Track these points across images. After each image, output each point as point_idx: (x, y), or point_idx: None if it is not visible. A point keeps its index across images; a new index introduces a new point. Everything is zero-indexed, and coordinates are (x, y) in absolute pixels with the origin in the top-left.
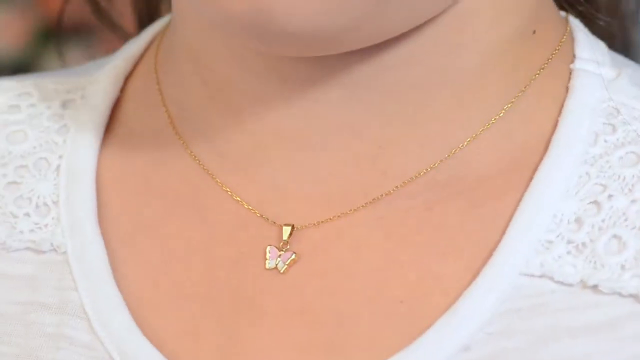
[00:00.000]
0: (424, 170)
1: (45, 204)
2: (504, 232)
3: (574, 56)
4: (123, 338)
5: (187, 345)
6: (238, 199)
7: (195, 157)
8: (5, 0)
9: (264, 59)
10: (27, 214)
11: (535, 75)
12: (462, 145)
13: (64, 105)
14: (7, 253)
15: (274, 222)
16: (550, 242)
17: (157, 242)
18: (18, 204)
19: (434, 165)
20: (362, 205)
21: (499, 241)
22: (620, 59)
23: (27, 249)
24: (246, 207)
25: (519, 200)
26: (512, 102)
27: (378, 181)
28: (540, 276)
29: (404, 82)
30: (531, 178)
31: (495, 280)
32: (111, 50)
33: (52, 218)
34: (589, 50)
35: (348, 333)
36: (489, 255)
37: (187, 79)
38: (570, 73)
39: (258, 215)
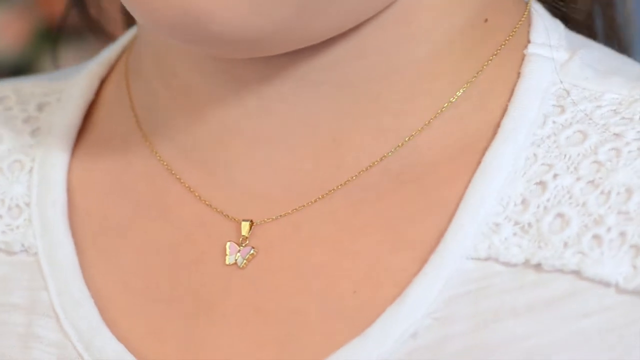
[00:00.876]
0: (377, 161)
1: (18, 206)
2: (452, 218)
3: (528, 41)
4: (91, 336)
5: (152, 344)
6: (199, 197)
7: (160, 158)
8: (5, 0)
9: (215, 60)
10: (0, 216)
11: (487, 62)
12: (414, 134)
13: (40, 108)
14: None
15: (234, 219)
16: (497, 224)
17: (123, 243)
18: None
19: (387, 155)
20: (318, 198)
21: (448, 225)
22: (578, 40)
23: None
24: (207, 204)
25: (467, 185)
26: (464, 88)
27: (333, 174)
28: (486, 259)
29: (354, 75)
30: (480, 163)
31: (442, 267)
32: None
33: (24, 219)
34: (544, 35)
35: (301, 327)
36: (438, 239)
37: (152, 82)
38: (523, 58)
39: (218, 212)
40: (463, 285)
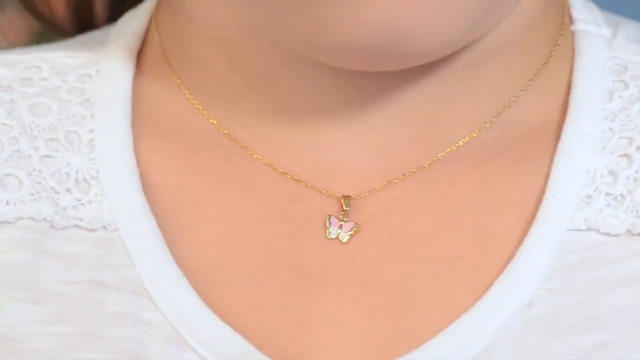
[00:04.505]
0: (471, 135)
1: (85, 180)
2: (544, 188)
3: (570, 18)
4: (190, 314)
5: (253, 318)
6: (287, 174)
7: (233, 138)
8: (5, 0)
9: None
10: (68, 190)
11: (559, 37)
12: (504, 109)
13: (80, 79)
14: (55, 231)
15: (330, 194)
16: (589, 196)
17: (204, 220)
18: (57, 178)
19: (480, 129)
20: (413, 172)
21: (541, 197)
22: (610, 16)
23: (75, 226)
24: (296, 181)
25: (552, 157)
26: (545, 62)
27: (428, 150)
28: (587, 230)
29: (456, 60)
30: (558, 136)
31: (546, 237)
32: None
33: (95, 194)
34: (586, 12)
35: (413, 294)
36: (535, 210)
37: (215, 68)
38: (573, 34)
39: (310, 188)
40: (569, 256)
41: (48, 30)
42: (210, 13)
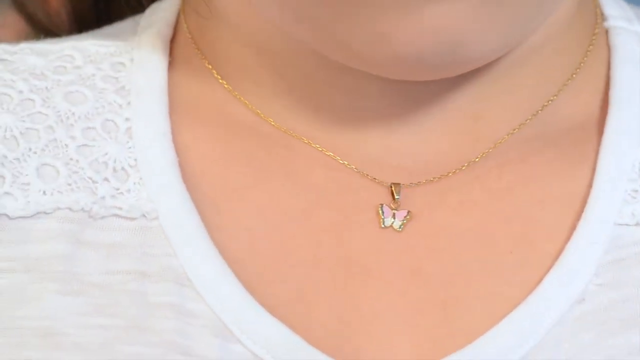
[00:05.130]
0: (514, 130)
1: (123, 169)
2: (591, 182)
3: (602, 14)
4: (236, 306)
5: (300, 311)
6: (342, 161)
7: (278, 127)
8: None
9: None
10: (106, 179)
11: (595, 34)
12: (546, 104)
13: (114, 67)
14: (94, 221)
15: (380, 182)
16: (636, 191)
17: (247, 208)
18: (95, 168)
19: (523, 124)
20: (459, 168)
21: (587, 191)
22: (638, 11)
23: (114, 215)
24: (344, 168)
25: (597, 151)
26: (582, 60)
27: (473, 146)
28: (636, 225)
29: (499, 65)
30: (600, 131)
31: (596, 232)
32: None
33: (134, 183)
34: (616, 8)
35: (463, 289)
36: (582, 204)
37: (248, 64)
38: (607, 31)
39: (361, 175)
40: (619, 251)
41: (40, 31)
42: (248, 23)
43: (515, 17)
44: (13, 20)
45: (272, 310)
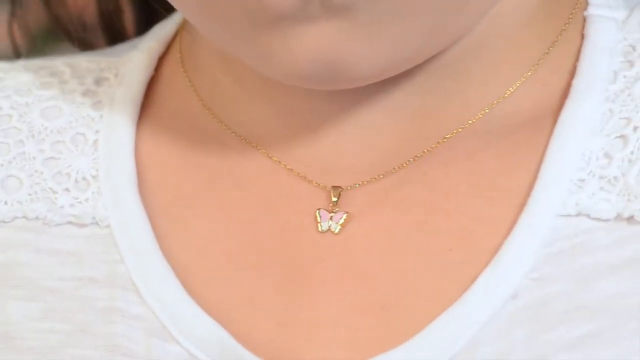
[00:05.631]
0: (464, 127)
1: (84, 179)
2: (537, 175)
3: (586, 3)
4: (176, 308)
5: (243, 314)
6: (282, 166)
7: (236, 134)
8: (5, 0)
9: None
10: (67, 189)
11: (565, 26)
12: (499, 100)
13: (98, 82)
14: (48, 228)
15: (321, 186)
16: (582, 180)
17: (197, 215)
18: (57, 179)
19: (473, 120)
20: (406, 163)
21: (533, 184)
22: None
23: (69, 223)
24: (289, 174)
25: (548, 143)
26: (547, 52)
27: (420, 144)
28: (577, 215)
29: (444, 57)
30: (556, 122)
31: (535, 225)
32: None
33: (92, 192)
34: None
35: (402, 290)
36: (527, 198)
37: (217, 77)
38: (585, 20)
39: (302, 178)
40: (557, 243)
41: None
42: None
43: (409, 34)
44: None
45: (216, 314)
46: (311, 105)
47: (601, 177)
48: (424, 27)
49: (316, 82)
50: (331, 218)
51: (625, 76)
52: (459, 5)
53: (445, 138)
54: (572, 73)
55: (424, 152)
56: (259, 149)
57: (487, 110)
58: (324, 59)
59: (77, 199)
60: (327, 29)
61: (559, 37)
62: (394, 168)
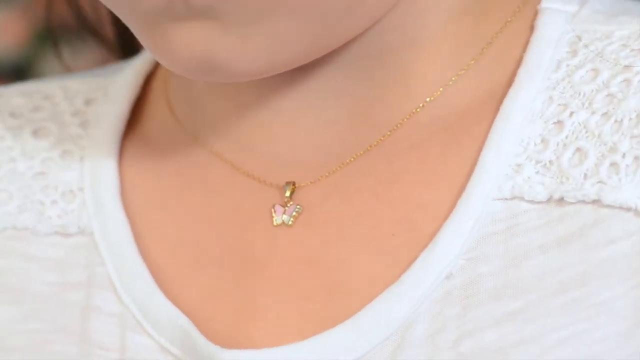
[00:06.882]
0: (409, 116)
1: (71, 191)
2: (476, 162)
3: None
4: (147, 302)
5: (206, 307)
6: (243, 171)
7: (201, 143)
8: (5, 0)
9: None
10: (55, 201)
11: (510, 18)
12: (441, 90)
13: (87, 102)
14: (36, 238)
15: (277, 185)
16: (519, 165)
17: (169, 218)
18: (45, 192)
19: (417, 110)
20: (355, 157)
21: (473, 170)
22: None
23: (56, 233)
24: (250, 176)
25: (489, 131)
26: (490, 42)
27: (369, 133)
28: (512, 198)
29: (376, 50)
30: (499, 110)
31: (471, 208)
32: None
33: (78, 203)
34: None
35: (346, 274)
36: (466, 183)
37: (186, 89)
38: (537, 13)
39: (261, 181)
40: (492, 225)
41: (89, 34)
42: None
43: (286, 35)
44: (14, 21)
45: (184, 307)
46: (262, 102)
47: (537, 162)
48: (303, 28)
49: (200, 75)
50: (284, 212)
51: (568, 65)
52: (342, 8)
53: (392, 130)
54: (519, 63)
55: (370, 146)
56: (223, 156)
57: (429, 100)
58: (199, 57)
59: (64, 210)
60: (198, 28)
61: (503, 28)
62: (342, 163)
